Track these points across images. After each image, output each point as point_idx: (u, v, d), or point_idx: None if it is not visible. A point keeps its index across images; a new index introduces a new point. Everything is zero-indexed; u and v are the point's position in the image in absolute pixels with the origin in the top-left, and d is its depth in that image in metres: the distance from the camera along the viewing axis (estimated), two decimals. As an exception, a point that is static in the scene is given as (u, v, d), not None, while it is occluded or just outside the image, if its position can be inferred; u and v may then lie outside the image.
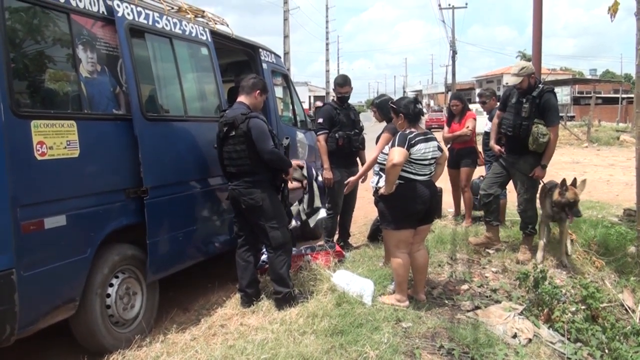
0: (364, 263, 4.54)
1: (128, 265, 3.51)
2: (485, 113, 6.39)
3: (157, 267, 3.63)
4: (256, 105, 3.88)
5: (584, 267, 4.66)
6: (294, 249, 4.24)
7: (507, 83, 5.07)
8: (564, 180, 4.53)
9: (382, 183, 3.59)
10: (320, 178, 4.98)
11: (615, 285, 4.35)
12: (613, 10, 4.44)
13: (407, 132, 3.53)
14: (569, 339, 3.41)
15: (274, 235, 3.74)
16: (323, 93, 43.39)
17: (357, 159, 5.37)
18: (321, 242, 5.10)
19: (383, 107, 4.66)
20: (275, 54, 5.89)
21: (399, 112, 3.65)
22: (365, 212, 6.90)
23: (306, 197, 4.85)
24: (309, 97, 38.64)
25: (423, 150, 3.49)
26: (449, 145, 6.15)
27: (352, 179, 4.74)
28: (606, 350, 3.35)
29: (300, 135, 5.98)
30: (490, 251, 4.97)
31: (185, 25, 4.19)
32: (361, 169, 4.90)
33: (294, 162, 4.39)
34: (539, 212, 4.89)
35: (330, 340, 3.05)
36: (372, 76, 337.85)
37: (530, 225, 4.83)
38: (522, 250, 4.80)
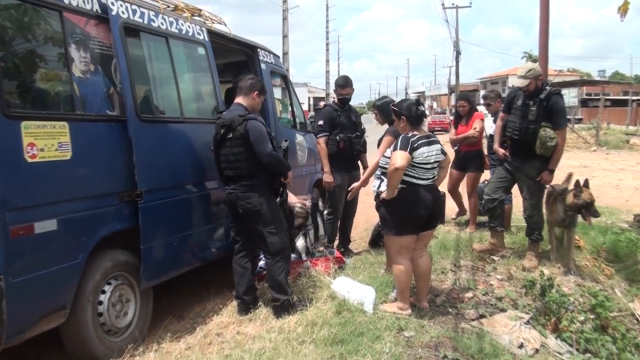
0: (365, 270, 4.50)
1: (121, 271, 3.45)
2: (490, 115, 6.28)
3: (151, 274, 3.57)
4: (254, 107, 3.84)
5: (592, 274, 4.56)
6: (292, 255, 4.19)
7: (513, 85, 4.99)
8: (577, 182, 4.48)
9: (383, 187, 3.57)
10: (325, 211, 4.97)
11: (626, 294, 4.26)
12: (623, 9, 4.40)
13: (410, 135, 3.50)
14: (577, 349, 3.33)
15: (272, 240, 3.68)
16: (323, 94, 43.45)
17: (359, 162, 5.29)
18: (321, 248, 5.03)
19: (384, 110, 4.60)
20: (274, 54, 5.84)
21: (401, 115, 3.62)
22: (366, 217, 6.84)
23: (311, 232, 4.84)
24: (309, 98, 38.67)
25: (426, 153, 3.44)
26: (455, 148, 6.04)
27: (355, 185, 4.67)
28: (616, 362, 3.27)
29: (299, 137, 5.93)
30: (495, 258, 4.90)
31: (182, 25, 4.14)
32: (364, 173, 4.82)
33: (299, 200, 4.39)
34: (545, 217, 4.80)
35: (330, 349, 3.03)
36: (373, 77, 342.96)
37: (537, 232, 4.75)
38: (528, 257, 4.72)
